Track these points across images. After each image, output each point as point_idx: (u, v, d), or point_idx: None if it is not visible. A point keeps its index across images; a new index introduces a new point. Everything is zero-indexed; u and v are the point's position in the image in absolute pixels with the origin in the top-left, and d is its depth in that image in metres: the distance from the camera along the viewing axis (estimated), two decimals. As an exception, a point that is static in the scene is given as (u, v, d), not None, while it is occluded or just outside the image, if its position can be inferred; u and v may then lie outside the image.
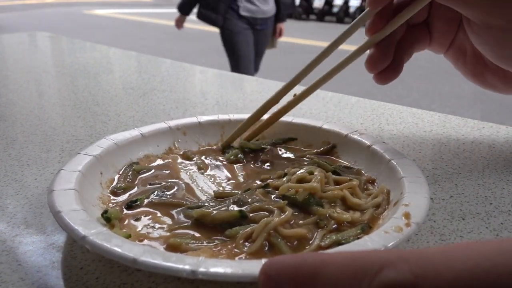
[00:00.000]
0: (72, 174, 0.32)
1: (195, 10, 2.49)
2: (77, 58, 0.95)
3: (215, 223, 0.30)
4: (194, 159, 0.41)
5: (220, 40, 2.50)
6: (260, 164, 0.40)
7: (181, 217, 0.32)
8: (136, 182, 0.37)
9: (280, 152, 0.43)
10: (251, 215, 0.31)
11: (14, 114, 0.57)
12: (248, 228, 0.29)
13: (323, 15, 9.37)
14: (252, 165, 0.40)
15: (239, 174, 0.39)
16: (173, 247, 0.28)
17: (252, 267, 0.23)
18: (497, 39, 0.36)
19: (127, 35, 5.59)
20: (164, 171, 0.39)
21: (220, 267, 0.23)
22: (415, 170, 0.34)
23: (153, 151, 0.41)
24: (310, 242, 0.29)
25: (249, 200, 0.32)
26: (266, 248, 0.28)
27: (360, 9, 8.68)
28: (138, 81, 0.75)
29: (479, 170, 0.42)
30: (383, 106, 0.61)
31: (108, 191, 0.35)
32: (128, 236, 0.29)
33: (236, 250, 0.28)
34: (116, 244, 0.25)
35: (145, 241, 0.29)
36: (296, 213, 0.31)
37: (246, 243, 0.28)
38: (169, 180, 0.37)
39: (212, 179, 0.38)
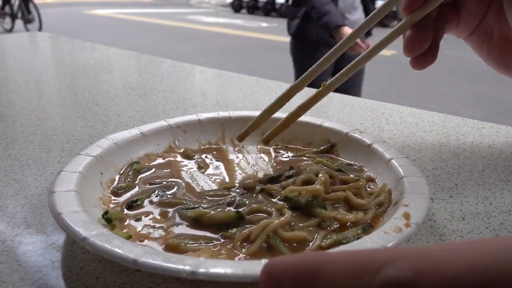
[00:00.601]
0: (72, 175, 0.32)
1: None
2: (77, 58, 0.95)
3: (213, 223, 0.30)
4: (194, 157, 0.41)
5: (294, 51, 2.14)
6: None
7: (180, 217, 0.32)
8: (136, 182, 0.37)
9: (280, 152, 0.43)
10: (248, 216, 0.31)
11: (14, 114, 0.57)
12: (246, 230, 0.29)
13: (323, 15, 9.34)
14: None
15: (238, 173, 0.39)
16: (171, 248, 0.28)
17: (253, 267, 0.23)
18: None
19: (127, 35, 5.59)
20: (164, 170, 0.39)
21: (220, 268, 0.23)
22: (415, 170, 0.34)
23: (154, 150, 0.41)
24: (311, 243, 0.29)
25: (247, 202, 0.32)
26: (264, 249, 0.28)
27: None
28: (138, 81, 0.75)
29: (479, 170, 0.42)
30: (383, 106, 0.61)
31: (109, 191, 0.35)
32: (129, 237, 0.29)
33: (235, 251, 0.28)
34: (117, 245, 0.25)
35: (145, 241, 0.29)
36: (297, 215, 0.31)
37: (245, 244, 0.28)
38: (170, 180, 0.37)
39: (213, 178, 0.38)
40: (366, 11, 2.14)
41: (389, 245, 0.25)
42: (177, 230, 0.30)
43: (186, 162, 0.41)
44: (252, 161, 0.41)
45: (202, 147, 0.43)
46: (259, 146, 0.44)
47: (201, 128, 0.44)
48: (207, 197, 0.34)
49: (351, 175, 0.36)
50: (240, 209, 0.31)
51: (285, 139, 0.44)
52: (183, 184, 0.36)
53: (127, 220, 0.31)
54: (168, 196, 0.34)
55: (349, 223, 0.30)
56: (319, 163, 0.38)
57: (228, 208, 0.31)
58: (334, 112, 0.58)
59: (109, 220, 0.30)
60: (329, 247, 0.28)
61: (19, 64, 0.89)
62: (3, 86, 0.71)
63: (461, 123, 0.54)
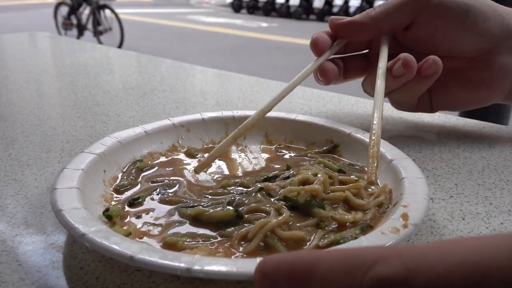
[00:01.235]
0: (75, 172, 0.33)
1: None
2: (77, 58, 0.95)
3: (211, 222, 0.30)
4: (197, 156, 0.41)
5: None
6: None
7: (180, 215, 0.32)
8: (139, 180, 0.37)
9: (282, 152, 0.43)
10: (247, 215, 0.31)
11: (14, 114, 0.57)
12: (244, 229, 0.29)
13: (323, 15, 9.37)
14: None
15: (240, 173, 0.39)
16: (169, 245, 0.28)
17: (248, 265, 0.23)
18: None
19: (127, 35, 5.59)
20: (167, 169, 0.39)
21: (215, 266, 0.23)
22: (415, 170, 0.34)
23: (157, 148, 0.41)
24: (308, 243, 0.29)
25: (246, 201, 0.32)
26: (261, 248, 0.28)
27: (360, 9, 8.68)
28: (138, 81, 0.75)
29: (479, 170, 0.42)
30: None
31: (111, 189, 0.35)
32: (128, 234, 0.29)
33: (233, 249, 0.28)
34: (115, 242, 0.25)
35: (145, 238, 0.29)
36: (295, 215, 0.31)
37: (242, 243, 0.28)
38: (172, 178, 0.37)
39: (215, 177, 0.38)
40: None
41: (386, 245, 0.25)
42: (177, 228, 0.30)
43: (189, 160, 0.41)
44: (255, 161, 0.41)
45: (205, 146, 0.43)
46: (262, 146, 0.44)
47: (205, 127, 0.44)
48: (208, 196, 0.34)
49: (352, 176, 0.36)
50: (239, 208, 0.31)
51: (288, 139, 0.44)
52: (185, 182, 0.36)
53: (128, 217, 0.32)
54: (170, 194, 0.34)
55: (348, 223, 0.30)
56: (320, 163, 0.38)
57: (227, 207, 0.31)
58: (334, 112, 0.58)
59: (110, 217, 0.30)
60: (327, 246, 0.28)
61: (19, 64, 0.89)
62: (3, 86, 0.71)
63: (461, 123, 0.54)
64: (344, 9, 8.98)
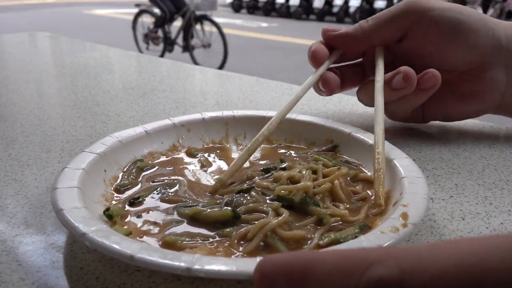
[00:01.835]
0: (76, 172, 0.33)
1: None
2: (77, 58, 0.95)
3: (209, 221, 0.30)
4: (198, 156, 0.41)
5: None
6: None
7: (178, 214, 0.32)
8: (139, 179, 0.37)
9: (282, 152, 0.43)
10: (244, 216, 0.31)
11: (14, 114, 0.57)
12: (243, 229, 0.29)
13: (323, 15, 9.38)
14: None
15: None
16: (168, 244, 0.28)
17: (247, 265, 0.23)
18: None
19: (127, 35, 5.59)
20: (167, 168, 0.39)
21: (215, 265, 0.23)
22: (415, 170, 0.34)
23: (158, 148, 0.41)
24: (309, 241, 0.29)
25: (244, 201, 0.32)
26: (261, 248, 0.28)
27: (360, 9, 8.69)
28: (138, 81, 0.75)
29: (479, 170, 0.42)
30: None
31: (112, 188, 0.35)
32: (129, 233, 0.29)
33: (232, 249, 0.28)
34: (115, 241, 0.25)
35: (145, 238, 0.29)
36: (291, 214, 0.31)
37: (242, 242, 0.28)
38: (172, 177, 0.37)
39: (215, 176, 0.38)
40: None
41: (385, 245, 0.25)
42: (175, 227, 0.30)
43: (189, 160, 0.41)
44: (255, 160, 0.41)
45: (205, 145, 0.43)
46: (262, 146, 0.44)
47: (205, 127, 0.44)
48: (207, 195, 0.34)
49: (332, 165, 0.36)
50: (236, 209, 0.31)
51: (288, 139, 0.44)
52: (185, 181, 0.36)
53: (128, 216, 0.32)
54: (170, 193, 0.35)
55: (343, 219, 0.31)
56: (316, 160, 0.38)
57: (225, 207, 0.31)
58: (334, 112, 0.58)
59: (110, 216, 0.30)
60: (327, 245, 0.28)
61: (19, 64, 0.89)
62: (3, 86, 0.71)
63: (461, 123, 0.54)
64: (344, 9, 8.98)
